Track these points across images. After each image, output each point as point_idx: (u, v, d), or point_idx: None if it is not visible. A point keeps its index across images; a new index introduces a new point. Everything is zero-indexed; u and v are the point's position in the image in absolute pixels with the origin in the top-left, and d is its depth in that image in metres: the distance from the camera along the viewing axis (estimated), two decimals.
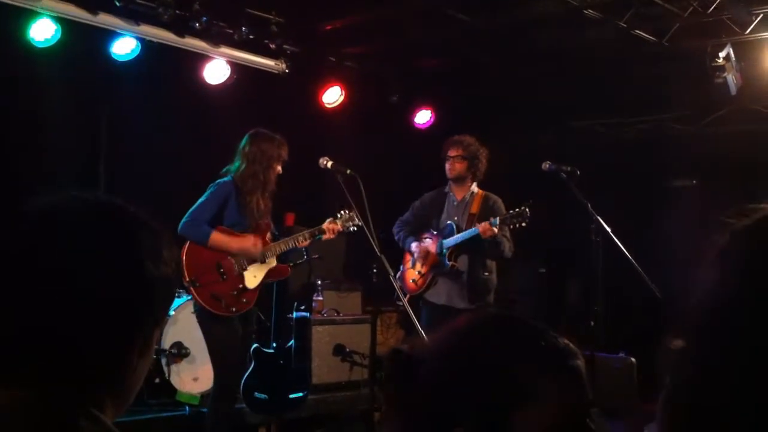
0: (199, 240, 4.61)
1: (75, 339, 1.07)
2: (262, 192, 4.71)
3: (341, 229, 4.96)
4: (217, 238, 4.63)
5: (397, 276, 5.24)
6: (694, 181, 8.38)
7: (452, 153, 5.46)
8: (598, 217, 4.93)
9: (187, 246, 4.62)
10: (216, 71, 6.42)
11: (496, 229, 5.13)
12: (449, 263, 5.35)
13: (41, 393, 1.05)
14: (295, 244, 4.89)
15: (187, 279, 4.56)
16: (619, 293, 5.94)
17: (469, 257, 5.37)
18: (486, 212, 5.39)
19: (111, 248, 1.11)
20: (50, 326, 1.06)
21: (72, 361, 1.07)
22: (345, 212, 4.97)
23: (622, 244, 4.87)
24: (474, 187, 5.53)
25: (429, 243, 5.47)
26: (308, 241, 4.92)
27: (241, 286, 4.69)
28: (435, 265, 5.43)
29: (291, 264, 5.12)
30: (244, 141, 4.77)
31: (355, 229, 4.96)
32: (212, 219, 4.67)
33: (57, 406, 1.06)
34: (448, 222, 5.47)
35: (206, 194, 4.71)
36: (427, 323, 5.11)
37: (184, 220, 4.64)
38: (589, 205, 4.96)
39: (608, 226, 4.93)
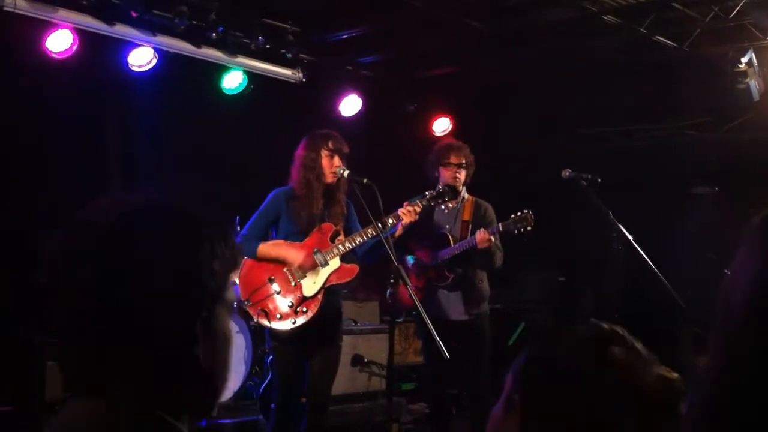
0: (249, 255, 4.43)
1: (139, 344, 1.06)
2: (308, 194, 4.50)
3: (423, 206, 4.67)
4: (264, 249, 4.45)
5: (388, 292, 5.05)
6: (716, 188, 8.26)
7: (455, 160, 5.15)
8: (620, 225, 4.84)
9: (244, 263, 4.46)
10: (231, 81, 6.42)
11: (493, 239, 4.97)
12: (448, 275, 5.13)
13: (115, 403, 1.04)
14: (363, 238, 4.51)
15: (242, 298, 4.42)
16: (638, 301, 5.86)
17: (463, 267, 5.15)
18: (478, 219, 5.21)
19: (169, 250, 1.09)
20: (118, 333, 1.05)
21: (140, 366, 1.06)
22: (440, 188, 4.78)
23: (642, 251, 4.79)
24: (464, 193, 5.29)
25: (423, 255, 5.23)
26: (385, 229, 4.46)
27: (299, 295, 4.45)
28: (431, 277, 5.19)
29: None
30: None
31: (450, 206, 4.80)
32: (266, 232, 4.54)
33: (130, 417, 1.04)
34: (441, 231, 5.23)
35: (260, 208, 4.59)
36: (423, 336, 5.06)
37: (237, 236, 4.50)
38: (610, 213, 4.88)
39: (628, 233, 4.86)
